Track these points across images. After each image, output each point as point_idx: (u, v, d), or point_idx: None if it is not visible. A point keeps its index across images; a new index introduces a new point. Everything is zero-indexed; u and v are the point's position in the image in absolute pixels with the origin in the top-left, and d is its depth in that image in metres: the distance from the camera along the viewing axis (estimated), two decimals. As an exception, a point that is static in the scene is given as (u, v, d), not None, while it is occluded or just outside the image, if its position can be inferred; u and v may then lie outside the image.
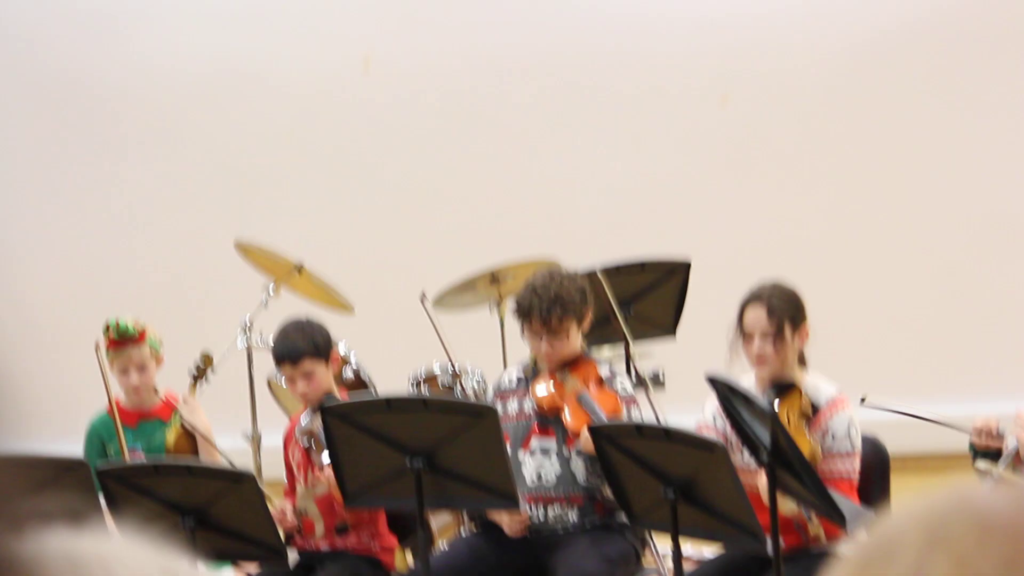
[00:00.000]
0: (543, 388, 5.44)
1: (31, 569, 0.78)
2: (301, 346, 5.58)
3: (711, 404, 5.33)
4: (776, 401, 5.16)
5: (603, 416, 5.26)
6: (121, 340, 5.94)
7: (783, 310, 5.15)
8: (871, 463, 5.29)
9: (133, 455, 5.95)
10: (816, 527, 4.89)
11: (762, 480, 4.82)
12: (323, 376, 5.60)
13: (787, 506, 4.89)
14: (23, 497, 0.78)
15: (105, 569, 0.94)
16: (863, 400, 5.19)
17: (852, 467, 5.12)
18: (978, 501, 1.17)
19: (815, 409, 5.13)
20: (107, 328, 5.96)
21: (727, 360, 5.21)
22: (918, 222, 8.97)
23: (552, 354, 5.42)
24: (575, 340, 5.45)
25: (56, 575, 0.80)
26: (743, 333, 5.19)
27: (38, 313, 9.21)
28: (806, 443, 5.05)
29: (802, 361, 5.29)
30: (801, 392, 5.14)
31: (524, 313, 5.40)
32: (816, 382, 5.21)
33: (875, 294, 9.01)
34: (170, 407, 6.06)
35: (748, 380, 5.24)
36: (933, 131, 8.96)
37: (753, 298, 5.21)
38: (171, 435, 5.99)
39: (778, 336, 5.13)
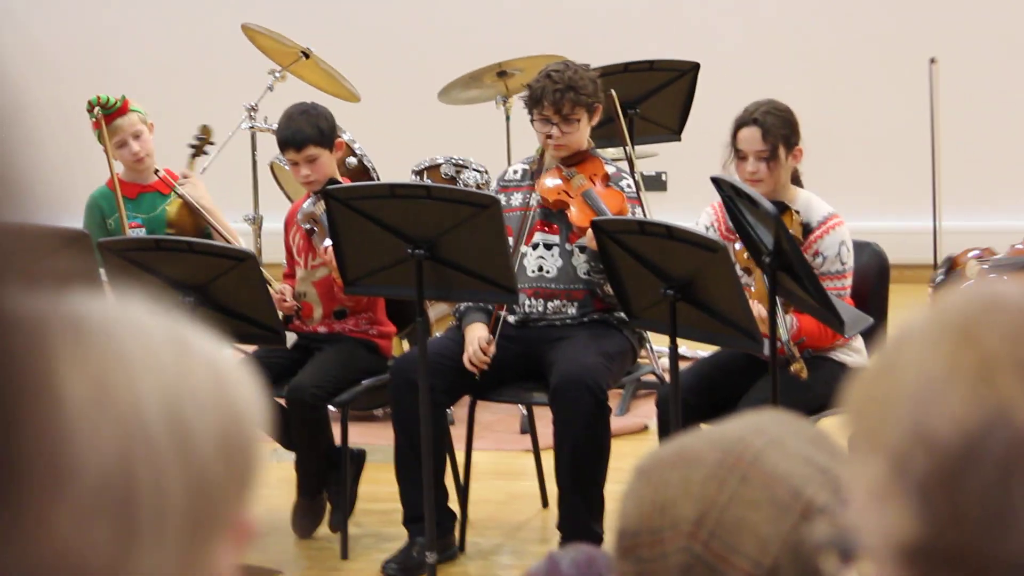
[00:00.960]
0: (549, 182, 5.42)
1: (33, 328, 0.77)
2: (306, 131, 5.56)
3: (706, 214, 5.32)
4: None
5: (608, 214, 5.24)
6: (108, 113, 5.93)
7: (777, 130, 5.12)
8: (871, 270, 5.29)
9: (133, 228, 5.95)
10: (800, 366, 4.84)
11: (755, 305, 4.80)
12: (327, 162, 5.59)
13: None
14: (27, 259, 0.76)
15: (109, 335, 0.93)
16: None
17: (842, 286, 5.10)
18: (989, 288, 1.20)
19: (808, 229, 5.11)
20: (91, 107, 5.94)
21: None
22: (928, 38, 8.89)
23: (561, 142, 5.37)
24: (584, 131, 5.40)
25: (58, 337, 0.78)
26: (737, 152, 5.17)
27: (37, 89, 9.14)
28: None
29: (797, 181, 5.26)
30: (793, 213, 5.11)
31: (535, 98, 5.34)
32: (809, 201, 5.18)
33: (882, 110, 8.96)
34: (168, 183, 6.05)
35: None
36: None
37: (747, 117, 5.17)
38: (172, 208, 5.99)
39: (772, 156, 5.11)
